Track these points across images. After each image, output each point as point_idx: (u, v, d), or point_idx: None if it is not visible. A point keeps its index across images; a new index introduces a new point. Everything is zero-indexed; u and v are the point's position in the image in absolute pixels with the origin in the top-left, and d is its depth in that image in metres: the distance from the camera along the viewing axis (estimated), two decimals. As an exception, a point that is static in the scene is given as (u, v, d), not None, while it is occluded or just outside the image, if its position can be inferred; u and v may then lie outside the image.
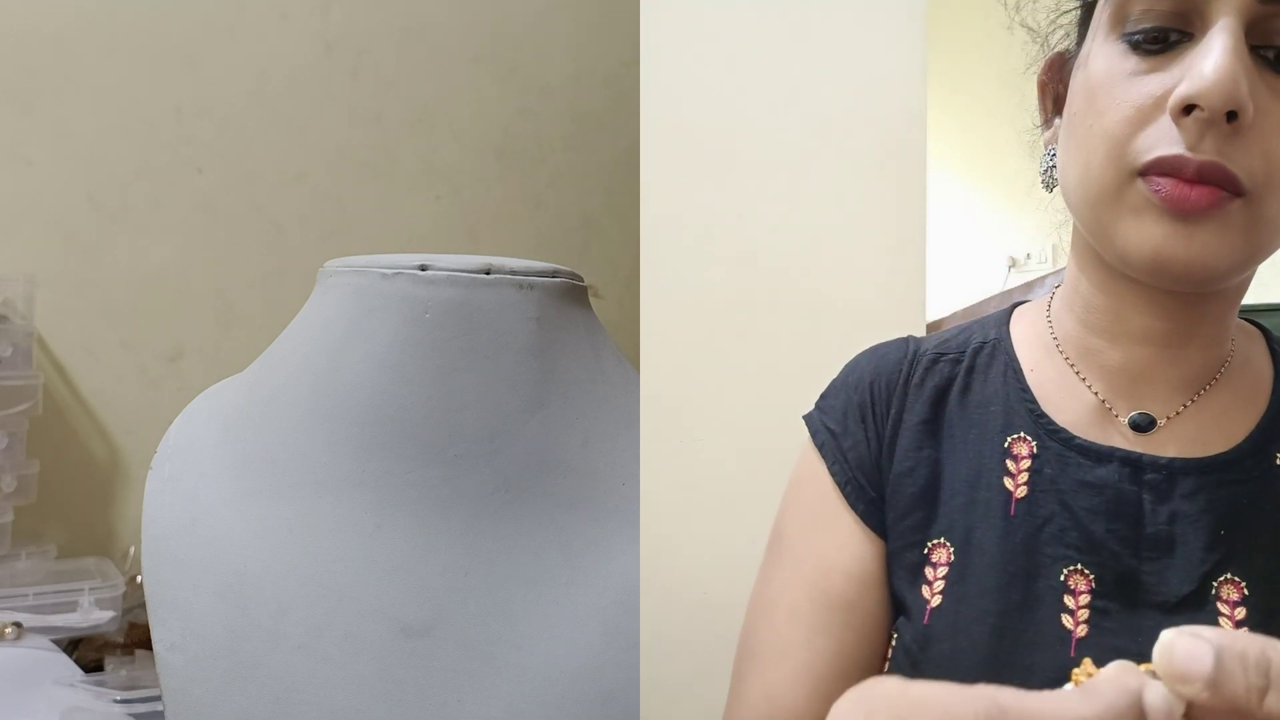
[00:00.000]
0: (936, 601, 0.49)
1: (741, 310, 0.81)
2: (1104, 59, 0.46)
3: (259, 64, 1.24)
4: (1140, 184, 0.44)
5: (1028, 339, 0.54)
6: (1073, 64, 0.49)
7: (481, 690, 0.47)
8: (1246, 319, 0.54)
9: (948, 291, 0.98)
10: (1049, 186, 0.52)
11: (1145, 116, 0.44)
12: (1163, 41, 0.44)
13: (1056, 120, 0.52)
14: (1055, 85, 0.52)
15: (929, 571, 0.50)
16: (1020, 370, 0.53)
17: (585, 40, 1.41)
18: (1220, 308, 0.49)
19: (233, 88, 1.22)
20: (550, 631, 0.48)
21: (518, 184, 1.39)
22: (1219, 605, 0.46)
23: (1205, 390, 0.50)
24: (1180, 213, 0.43)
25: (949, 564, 0.50)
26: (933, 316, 0.74)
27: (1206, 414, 0.50)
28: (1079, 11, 0.50)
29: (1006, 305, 0.59)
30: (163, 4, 1.18)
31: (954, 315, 0.57)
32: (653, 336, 0.78)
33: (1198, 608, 0.46)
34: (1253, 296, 0.51)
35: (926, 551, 0.51)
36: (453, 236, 1.35)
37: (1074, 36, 0.50)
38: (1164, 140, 0.43)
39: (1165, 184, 0.43)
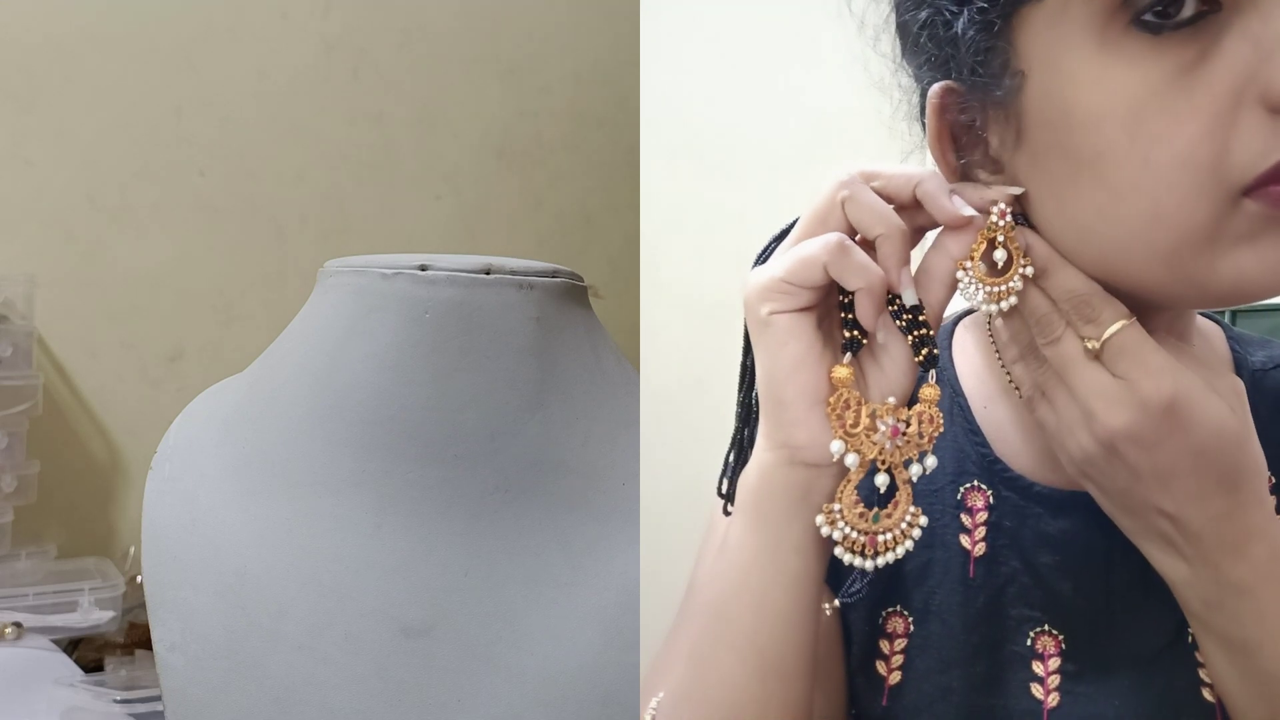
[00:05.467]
0: (895, 679, 0.45)
1: (742, 310, 0.80)
2: (1119, 66, 0.36)
3: (259, 64, 1.24)
4: (1249, 203, 0.36)
5: (975, 369, 0.49)
6: (996, 92, 0.39)
7: (481, 690, 0.47)
8: (1205, 314, 0.50)
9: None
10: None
11: (1228, 120, 0.35)
12: (1172, 17, 0.35)
13: (982, 170, 0.42)
14: (958, 124, 0.42)
15: (884, 645, 0.46)
16: (968, 407, 0.47)
17: (585, 40, 1.41)
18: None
19: (233, 88, 1.22)
20: (550, 631, 0.48)
21: (518, 184, 1.39)
22: (1197, 655, 0.42)
23: None
24: None
25: (907, 635, 0.45)
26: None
27: None
28: (999, 23, 0.38)
29: (949, 320, 0.51)
30: (163, 4, 1.18)
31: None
32: (653, 336, 0.78)
33: (1175, 659, 0.43)
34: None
35: (881, 622, 0.46)
36: (453, 236, 1.35)
37: (983, 56, 0.40)
38: (1275, 139, 0.35)
39: None
